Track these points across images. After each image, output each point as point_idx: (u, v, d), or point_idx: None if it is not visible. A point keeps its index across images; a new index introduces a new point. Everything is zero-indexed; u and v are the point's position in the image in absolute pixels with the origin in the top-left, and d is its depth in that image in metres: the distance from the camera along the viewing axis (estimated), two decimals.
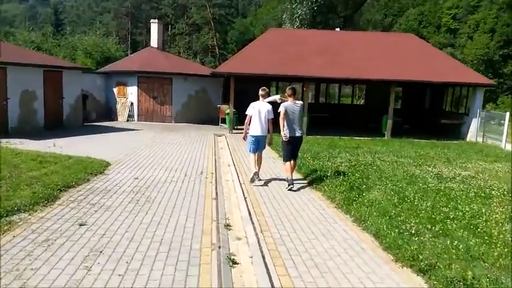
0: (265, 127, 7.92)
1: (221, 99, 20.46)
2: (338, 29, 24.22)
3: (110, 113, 19.64)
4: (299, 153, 8.37)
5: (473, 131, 16.86)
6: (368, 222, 5.45)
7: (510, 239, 4.84)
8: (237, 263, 4.34)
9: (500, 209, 6.12)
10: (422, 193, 6.95)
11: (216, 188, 7.31)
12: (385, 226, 5.19)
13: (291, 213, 6.03)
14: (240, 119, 16.44)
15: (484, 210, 6.02)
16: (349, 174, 8.18)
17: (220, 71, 17.44)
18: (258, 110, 7.86)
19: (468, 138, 16.95)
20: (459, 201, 6.52)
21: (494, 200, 6.73)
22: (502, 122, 15.68)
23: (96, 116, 18.79)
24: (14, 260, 4.01)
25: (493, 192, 7.30)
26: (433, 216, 5.67)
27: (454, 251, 4.44)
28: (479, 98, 17.02)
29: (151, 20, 23.06)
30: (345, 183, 7.40)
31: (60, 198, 6.11)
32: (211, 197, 6.73)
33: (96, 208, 5.80)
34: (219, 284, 3.74)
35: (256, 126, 7.89)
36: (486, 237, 4.90)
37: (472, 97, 17.40)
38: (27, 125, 13.59)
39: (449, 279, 3.81)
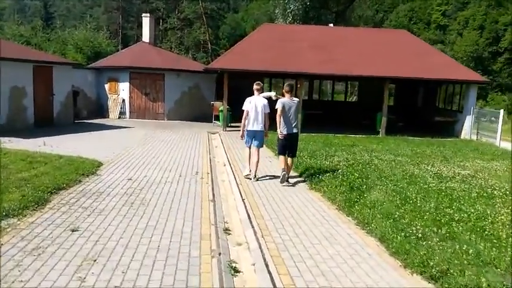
0: (262, 121, 7.88)
1: (214, 96, 20.15)
2: (331, 25, 24.01)
3: (101, 110, 19.19)
4: (296, 152, 8.22)
5: (467, 129, 16.82)
6: (372, 225, 5.28)
7: None
8: (239, 271, 4.14)
9: (505, 210, 5.99)
10: (424, 193, 6.81)
11: (212, 189, 7.10)
12: (390, 229, 5.02)
13: (291, 215, 5.84)
14: (234, 116, 16.20)
15: (489, 212, 5.88)
16: (348, 173, 8.02)
17: (213, 67, 17.16)
18: (255, 105, 7.86)
19: (462, 136, 16.91)
20: (462, 202, 6.38)
21: (497, 201, 6.61)
22: (493, 119, 15.68)
23: (87, 113, 18.33)
24: (2, 271, 3.74)
25: (495, 192, 7.18)
26: (437, 218, 5.52)
27: (464, 256, 4.28)
28: (472, 95, 16.96)
29: (143, 14, 22.62)
30: (344, 183, 7.24)
31: (50, 202, 5.83)
32: (208, 199, 6.51)
33: (89, 212, 5.54)
34: None
35: (252, 120, 7.87)
36: (495, 241, 4.75)
37: (465, 94, 17.35)
38: (16, 123, 13.18)
39: (462, 286, 3.66)
